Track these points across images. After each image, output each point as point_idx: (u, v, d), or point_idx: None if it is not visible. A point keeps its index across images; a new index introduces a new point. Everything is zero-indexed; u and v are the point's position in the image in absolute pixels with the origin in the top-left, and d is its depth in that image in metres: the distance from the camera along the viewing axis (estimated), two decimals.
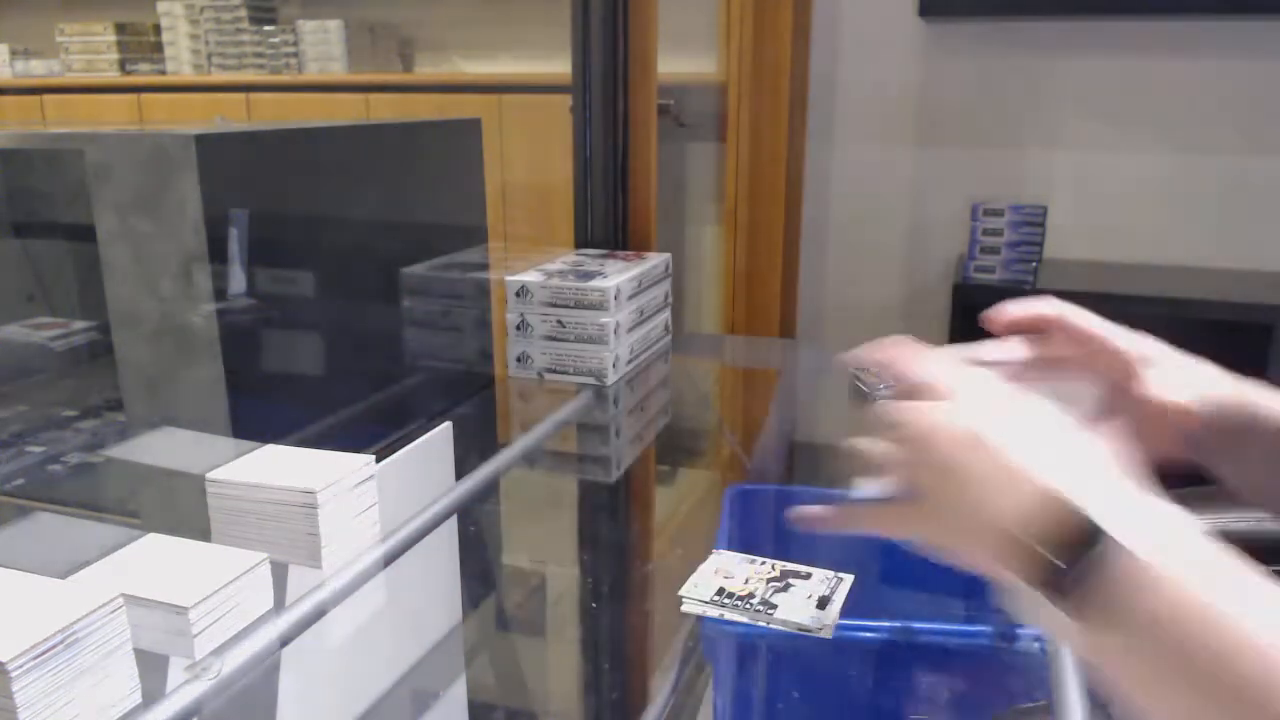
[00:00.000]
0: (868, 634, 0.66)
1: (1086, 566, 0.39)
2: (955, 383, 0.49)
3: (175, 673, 0.60)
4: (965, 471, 0.45)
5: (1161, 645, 0.37)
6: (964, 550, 0.46)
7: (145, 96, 3.26)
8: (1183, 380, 0.56)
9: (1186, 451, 0.56)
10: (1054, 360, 0.61)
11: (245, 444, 0.76)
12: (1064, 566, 0.40)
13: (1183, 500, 1.00)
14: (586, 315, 1.24)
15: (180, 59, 3.30)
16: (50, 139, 0.92)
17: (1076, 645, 0.41)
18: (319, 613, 0.71)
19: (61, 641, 0.49)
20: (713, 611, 0.70)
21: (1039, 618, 0.42)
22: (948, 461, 0.45)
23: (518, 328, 1.28)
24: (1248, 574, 0.38)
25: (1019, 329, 0.61)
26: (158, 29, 3.34)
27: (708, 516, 0.57)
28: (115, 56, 3.39)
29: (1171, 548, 0.39)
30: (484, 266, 1.22)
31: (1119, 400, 0.57)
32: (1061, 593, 0.40)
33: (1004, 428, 0.45)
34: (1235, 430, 0.54)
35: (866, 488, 0.52)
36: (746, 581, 0.70)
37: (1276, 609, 0.37)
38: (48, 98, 3.37)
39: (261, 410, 0.84)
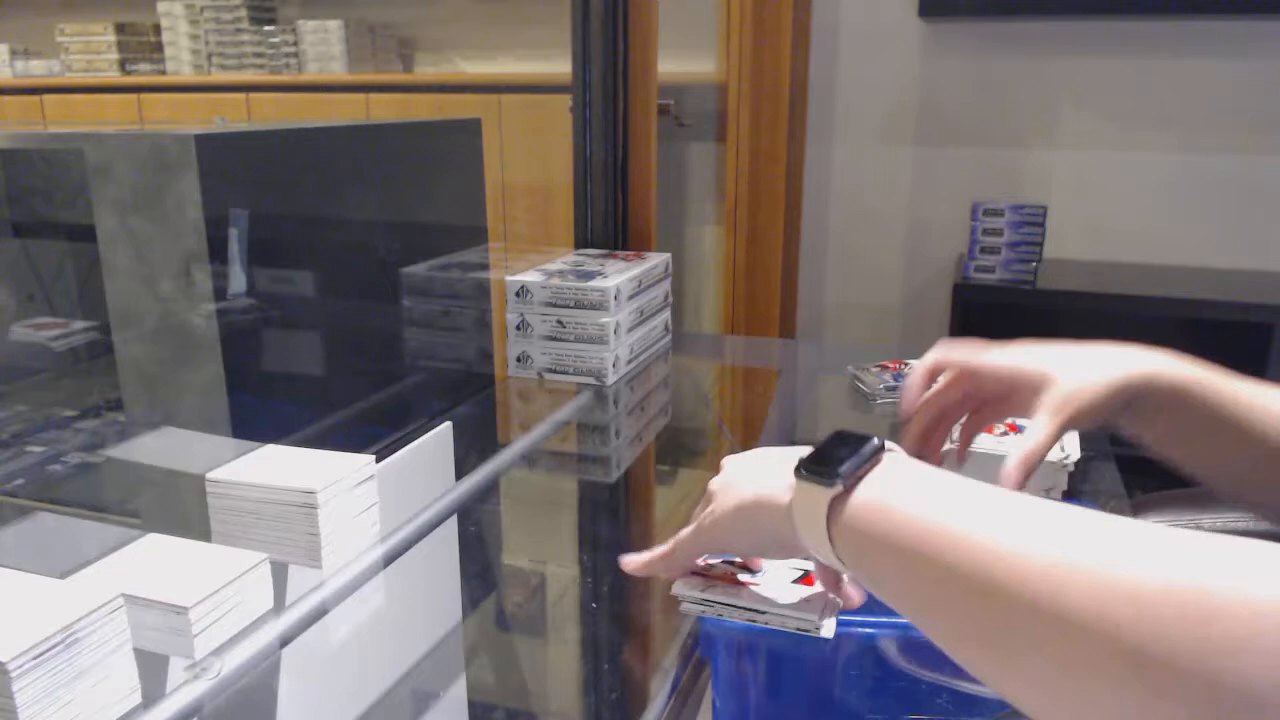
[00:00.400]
0: (868, 633, 0.66)
1: (863, 456, 0.46)
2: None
3: (175, 673, 0.60)
4: (740, 485, 0.55)
5: (899, 556, 0.42)
6: (754, 538, 0.55)
7: (145, 96, 3.26)
8: (1083, 369, 0.61)
9: (1107, 424, 0.62)
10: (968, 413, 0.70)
11: (245, 444, 0.76)
12: (835, 460, 0.47)
13: (1170, 501, 1.01)
14: (586, 315, 1.24)
15: (180, 59, 3.30)
16: (50, 139, 0.92)
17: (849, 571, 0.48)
18: (319, 613, 0.71)
19: (61, 641, 0.49)
20: (711, 611, 0.70)
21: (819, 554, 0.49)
22: (730, 479, 0.56)
23: (518, 328, 1.28)
24: (969, 487, 0.43)
25: (925, 388, 0.70)
26: (158, 29, 3.34)
27: None
28: (115, 56, 3.39)
29: (892, 480, 0.45)
30: (484, 266, 1.22)
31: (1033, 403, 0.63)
32: (833, 475, 0.46)
33: (765, 455, 0.56)
34: (1134, 397, 0.59)
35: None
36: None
37: (993, 509, 0.40)
38: (48, 98, 3.37)
39: (261, 410, 0.84)
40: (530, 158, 2.69)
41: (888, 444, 0.48)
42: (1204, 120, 2.29)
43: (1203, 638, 0.30)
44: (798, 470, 0.48)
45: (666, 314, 1.47)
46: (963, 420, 0.71)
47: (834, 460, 0.46)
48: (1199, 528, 1.11)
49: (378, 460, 0.75)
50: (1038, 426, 0.60)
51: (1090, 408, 0.58)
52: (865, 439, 0.48)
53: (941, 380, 0.69)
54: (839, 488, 0.45)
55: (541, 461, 1.14)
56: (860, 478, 0.45)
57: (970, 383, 0.67)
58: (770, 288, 2.46)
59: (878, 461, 0.46)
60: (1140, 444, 0.62)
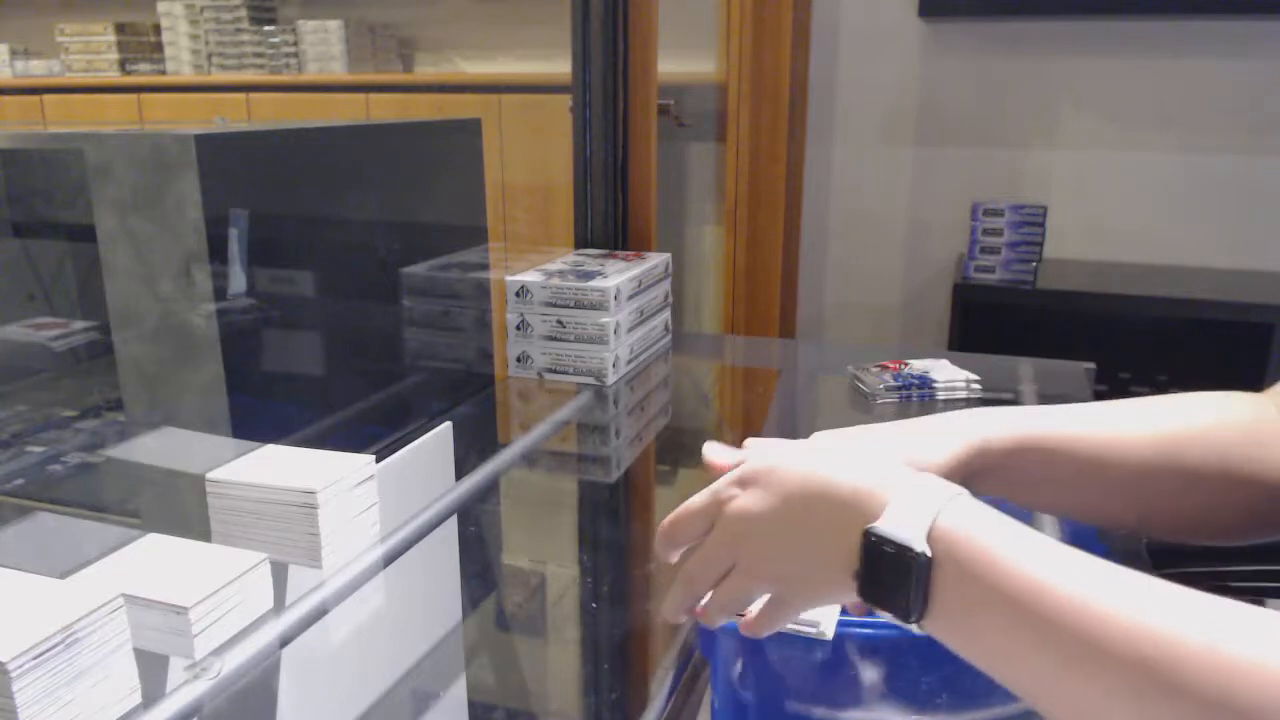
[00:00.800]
0: (868, 632, 0.66)
1: (907, 579, 0.43)
2: (730, 483, 0.53)
3: (175, 673, 0.60)
4: (780, 539, 0.49)
5: (998, 621, 0.40)
6: (813, 599, 0.51)
7: (145, 96, 3.26)
8: (917, 461, 0.57)
9: None
10: None
11: (245, 444, 0.76)
12: (890, 590, 0.44)
13: None
14: (586, 315, 1.24)
15: (180, 59, 3.30)
16: (50, 139, 0.92)
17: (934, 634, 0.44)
18: (319, 613, 0.71)
19: (61, 641, 0.49)
20: None
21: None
22: (765, 534, 0.50)
23: (518, 328, 1.28)
24: (1057, 546, 0.41)
25: None
26: (158, 29, 3.34)
27: None
28: (115, 56, 3.39)
29: (986, 534, 0.42)
30: (484, 266, 1.22)
31: None
32: (901, 610, 0.44)
33: (795, 485, 0.49)
34: (974, 470, 0.57)
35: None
36: None
37: (1097, 573, 0.40)
38: (48, 98, 3.37)
39: (261, 410, 0.84)
40: (530, 158, 2.69)
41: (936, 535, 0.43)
42: (1204, 120, 2.29)
43: None
44: (865, 596, 0.45)
45: (666, 314, 1.47)
46: None
47: (895, 591, 0.43)
48: None
49: (378, 460, 0.75)
50: None
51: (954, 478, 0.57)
52: (910, 558, 0.43)
53: None
54: (922, 618, 0.43)
55: (541, 461, 1.14)
56: (932, 595, 0.43)
57: None
58: (770, 288, 2.46)
59: (936, 572, 0.43)
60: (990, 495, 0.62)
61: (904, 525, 0.43)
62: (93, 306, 1.06)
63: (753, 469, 0.52)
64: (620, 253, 1.48)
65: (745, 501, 0.51)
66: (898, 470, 0.47)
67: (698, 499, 0.54)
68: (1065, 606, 0.38)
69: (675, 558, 0.57)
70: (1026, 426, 0.57)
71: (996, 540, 0.42)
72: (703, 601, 0.55)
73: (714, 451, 0.59)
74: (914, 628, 0.44)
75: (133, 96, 3.26)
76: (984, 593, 0.41)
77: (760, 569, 0.51)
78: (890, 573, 0.43)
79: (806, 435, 0.56)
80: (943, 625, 0.43)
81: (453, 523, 0.90)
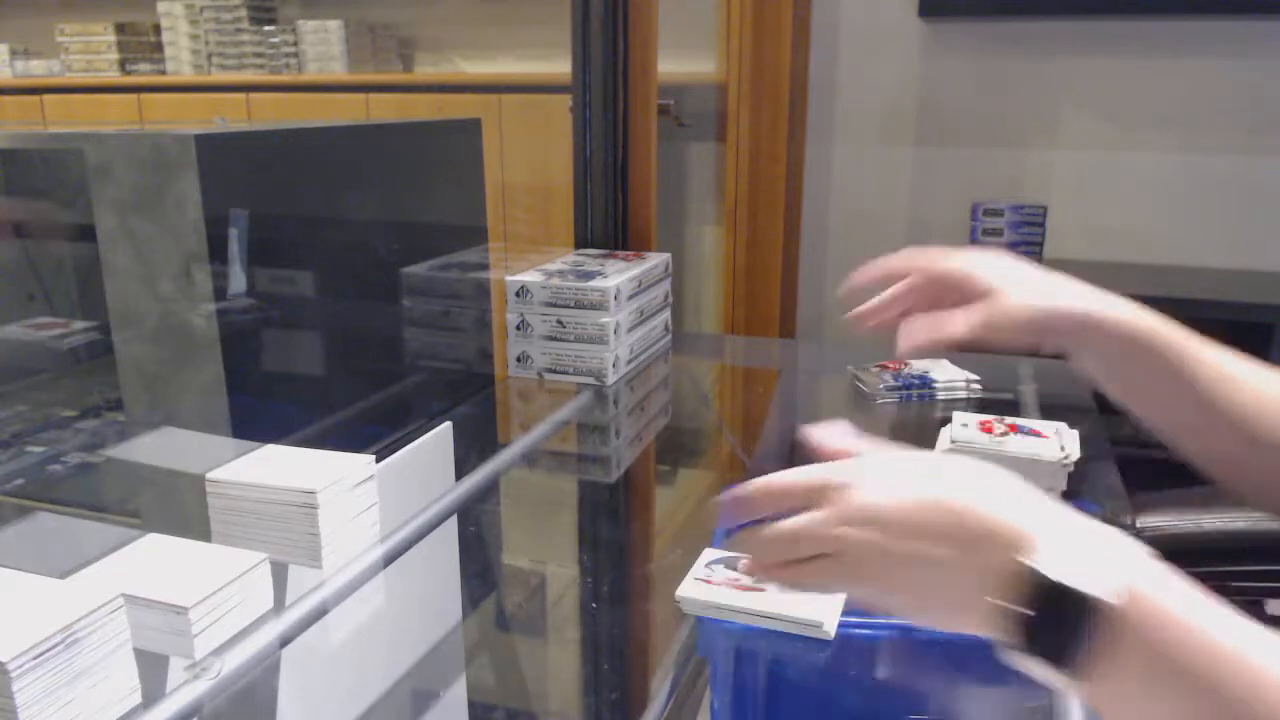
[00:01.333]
0: (868, 633, 0.66)
1: (1079, 631, 0.38)
2: (854, 468, 0.48)
3: (175, 673, 0.60)
4: (923, 551, 0.43)
5: (1173, 688, 0.37)
6: (941, 623, 0.45)
7: (145, 96, 3.26)
8: (1033, 290, 0.65)
9: (1039, 345, 0.65)
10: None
11: (245, 444, 0.76)
12: (1056, 639, 0.39)
13: (1182, 500, 1.01)
14: (586, 315, 1.24)
15: (180, 59, 3.30)
16: (50, 139, 0.92)
17: (1083, 697, 0.40)
18: (319, 613, 0.71)
19: (61, 641, 0.49)
20: (710, 611, 0.70)
21: (1038, 675, 0.41)
22: (900, 539, 0.44)
23: (518, 328, 1.28)
24: (1232, 614, 0.39)
25: (884, 282, 0.73)
26: (158, 29, 3.34)
27: (707, 517, 0.57)
28: (115, 56, 3.39)
29: (1151, 589, 0.39)
30: (484, 266, 1.22)
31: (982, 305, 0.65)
32: (1059, 662, 0.39)
33: (945, 492, 0.44)
34: (1075, 329, 0.63)
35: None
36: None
37: (1262, 638, 0.38)
38: (48, 98, 3.37)
39: (261, 410, 0.84)
40: (530, 158, 2.68)
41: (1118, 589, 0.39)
42: (1204, 120, 2.29)
43: None
44: (1013, 638, 0.41)
45: (666, 314, 1.47)
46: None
47: (1057, 639, 0.39)
48: (1199, 528, 1.10)
49: (378, 460, 0.75)
50: (964, 317, 0.64)
51: (1026, 324, 0.62)
52: (1090, 606, 0.38)
53: (903, 285, 0.72)
54: (1084, 679, 0.39)
55: (541, 461, 1.14)
56: (1101, 654, 0.38)
57: (929, 289, 0.70)
58: (770, 288, 2.45)
59: (1113, 630, 0.38)
60: (1090, 379, 0.64)
61: (1081, 571, 0.39)
62: (93, 306, 1.06)
63: (879, 463, 0.48)
64: (620, 253, 1.48)
65: (874, 495, 0.45)
66: (1058, 509, 0.43)
67: (801, 474, 0.48)
68: (1246, 680, 0.36)
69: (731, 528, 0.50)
70: (1153, 329, 0.60)
71: (1183, 605, 0.39)
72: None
73: (825, 435, 0.53)
74: (1058, 679, 0.40)
75: (133, 96, 3.26)
76: (1165, 659, 0.38)
77: (871, 570, 0.45)
78: (1057, 619, 0.39)
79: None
80: (1103, 683, 0.39)
81: (453, 523, 0.90)
